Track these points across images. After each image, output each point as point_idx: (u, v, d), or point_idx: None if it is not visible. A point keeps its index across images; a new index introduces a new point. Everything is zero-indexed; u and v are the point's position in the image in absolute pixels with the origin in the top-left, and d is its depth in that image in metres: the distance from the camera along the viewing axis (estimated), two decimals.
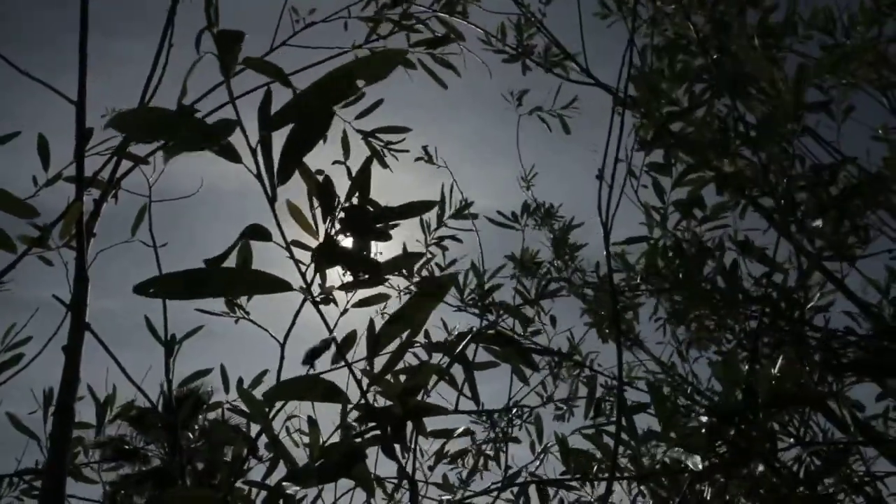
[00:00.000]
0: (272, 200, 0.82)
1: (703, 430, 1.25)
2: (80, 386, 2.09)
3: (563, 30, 2.93)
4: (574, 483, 1.84)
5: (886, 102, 2.35)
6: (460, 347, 1.26)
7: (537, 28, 2.78)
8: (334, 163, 1.79)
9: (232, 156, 0.83)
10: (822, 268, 2.01)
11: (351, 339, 1.24)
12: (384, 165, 2.45)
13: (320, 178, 1.18)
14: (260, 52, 2.27)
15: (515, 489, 2.07)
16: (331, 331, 0.98)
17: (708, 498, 1.53)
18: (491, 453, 2.40)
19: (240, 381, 2.01)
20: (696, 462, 1.17)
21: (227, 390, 1.94)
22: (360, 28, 2.59)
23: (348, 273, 1.22)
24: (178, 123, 0.78)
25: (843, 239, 1.83)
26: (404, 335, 1.09)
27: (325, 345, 0.96)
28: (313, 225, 1.14)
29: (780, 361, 1.40)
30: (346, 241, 1.26)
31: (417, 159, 2.86)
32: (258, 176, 0.81)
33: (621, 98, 1.91)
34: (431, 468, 2.39)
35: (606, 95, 2.70)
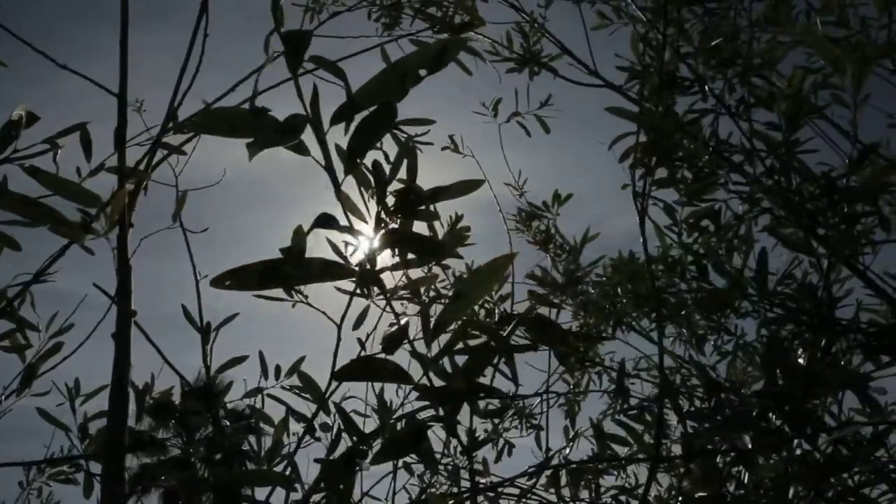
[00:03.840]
0: (338, 189, 0.85)
1: (753, 412, 1.27)
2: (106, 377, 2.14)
3: (565, 32, 2.94)
4: (609, 467, 1.87)
5: None
6: (509, 330, 1.28)
7: (541, 34, 2.79)
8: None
9: (302, 150, 0.85)
10: (843, 256, 2.03)
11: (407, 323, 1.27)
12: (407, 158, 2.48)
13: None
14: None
15: (549, 474, 2.10)
16: (396, 317, 1.01)
17: (746, 481, 1.56)
18: (514, 440, 2.44)
19: (277, 367, 2.05)
20: (745, 442, 1.20)
21: (265, 376, 1.98)
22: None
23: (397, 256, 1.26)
24: (255, 122, 0.81)
25: (854, 235, 1.85)
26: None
27: (401, 331, 0.99)
28: (365, 210, 1.17)
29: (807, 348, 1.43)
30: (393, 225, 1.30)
31: (444, 148, 2.88)
32: (327, 168, 0.84)
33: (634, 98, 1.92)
34: (464, 454, 2.43)
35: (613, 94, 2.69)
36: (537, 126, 3.04)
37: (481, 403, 1.85)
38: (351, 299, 1.23)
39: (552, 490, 2.11)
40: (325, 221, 0.90)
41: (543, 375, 2.78)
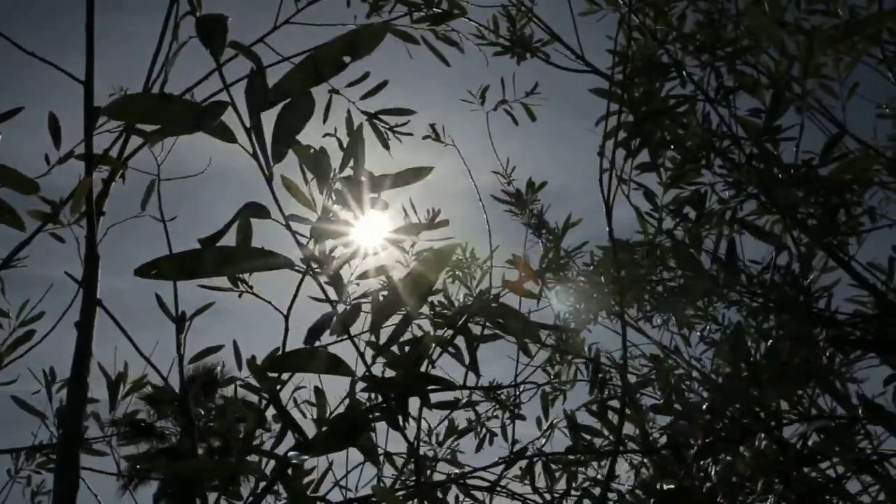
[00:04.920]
0: (269, 179, 0.83)
1: (704, 406, 1.25)
2: (91, 363, 2.12)
3: (554, 18, 2.90)
4: (581, 459, 1.86)
5: (892, 77, 2.32)
6: (462, 320, 1.26)
7: (528, 18, 2.75)
8: (325, 135, 1.78)
9: (227, 136, 0.83)
10: (825, 246, 1.99)
11: (355, 312, 1.25)
12: (386, 147, 2.45)
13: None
14: (264, 29, 2.26)
15: (523, 465, 2.09)
16: (332, 305, 0.99)
17: (712, 473, 1.54)
18: (497, 430, 2.43)
19: (252, 357, 2.04)
20: (696, 437, 1.18)
21: (239, 367, 1.97)
22: (361, 4, 2.57)
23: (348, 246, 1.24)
24: (171, 107, 0.78)
25: (837, 224, 1.82)
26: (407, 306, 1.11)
27: (325, 321, 0.97)
28: (310, 199, 1.15)
29: (782, 339, 1.40)
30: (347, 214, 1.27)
31: (425, 137, 2.85)
32: (254, 155, 0.82)
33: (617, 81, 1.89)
34: (441, 443, 2.42)
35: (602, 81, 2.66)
36: (536, 117, 3.03)
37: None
38: (298, 289, 1.21)
39: (527, 481, 2.10)
40: (252, 210, 0.88)
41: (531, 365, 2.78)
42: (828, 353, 1.82)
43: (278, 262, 0.90)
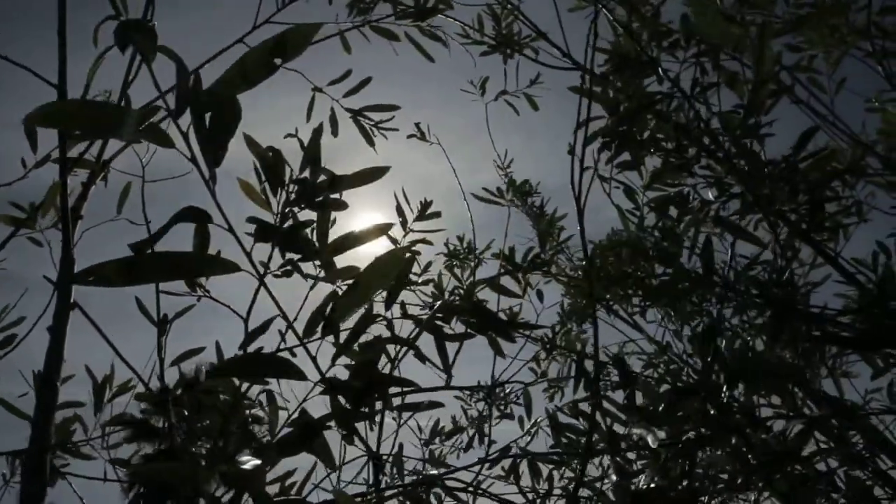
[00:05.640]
0: (207, 182, 0.82)
1: (665, 405, 1.24)
2: (78, 367, 2.14)
3: (540, 16, 2.88)
4: (561, 458, 1.84)
5: (881, 71, 2.30)
6: (427, 318, 1.25)
7: (514, 16, 2.73)
8: (286, 136, 1.77)
9: (163, 141, 0.82)
10: (811, 240, 1.97)
11: (317, 314, 1.24)
12: (371, 144, 2.44)
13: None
14: (244, 29, 2.25)
15: (506, 466, 2.08)
16: (280, 308, 0.98)
17: (686, 471, 1.53)
18: (471, 431, 2.42)
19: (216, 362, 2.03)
20: (656, 437, 1.17)
21: None
22: (342, 2, 2.56)
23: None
24: (99, 113, 0.78)
25: (821, 219, 1.80)
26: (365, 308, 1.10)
27: (263, 327, 0.97)
28: (265, 200, 1.14)
29: (757, 336, 1.39)
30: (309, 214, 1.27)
31: (410, 136, 2.84)
32: (192, 160, 0.81)
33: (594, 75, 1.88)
34: (426, 444, 2.42)
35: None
36: (538, 107, 3.01)
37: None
38: (256, 293, 1.20)
39: (511, 480, 2.09)
40: (191, 216, 0.87)
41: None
42: (800, 350, 1.81)
43: (226, 267, 0.89)
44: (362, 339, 1.15)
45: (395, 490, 1.65)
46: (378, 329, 1.32)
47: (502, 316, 2.81)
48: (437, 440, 2.39)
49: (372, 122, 2.57)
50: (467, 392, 2.32)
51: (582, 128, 2.19)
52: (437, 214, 2.66)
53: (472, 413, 2.47)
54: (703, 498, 1.58)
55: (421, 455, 2.51)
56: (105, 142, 2.03)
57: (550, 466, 1.85)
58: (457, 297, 2.67)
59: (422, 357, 1.21)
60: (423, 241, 2.62)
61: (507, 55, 2.89)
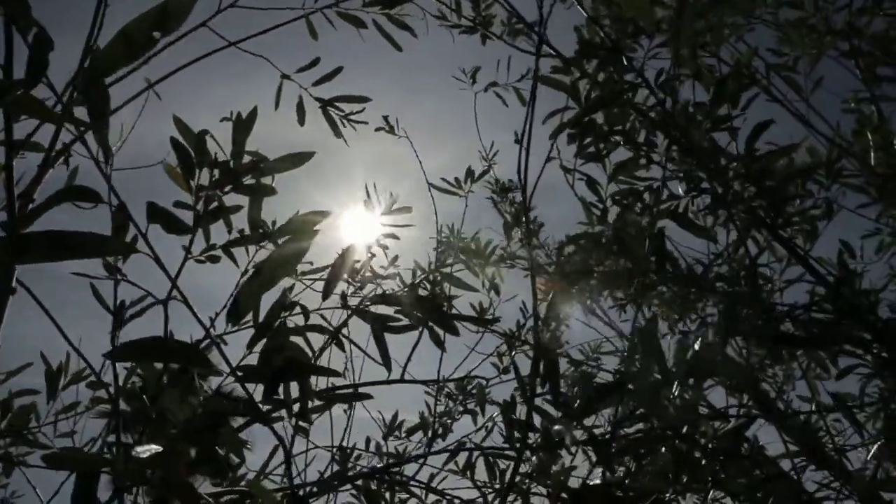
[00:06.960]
0: (98, 163, 0.79)
1: (583, 402, 1.21)
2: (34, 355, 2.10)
3: (521, 3, 2.85)
4: (512, 452, 1.81)
5: (859, 73, 2.27)
6: (355, 308, 1.22)
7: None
8: (222, 120, 1.74)
9: (44, 115, 0.79)
10: (779, 237, 1.95)
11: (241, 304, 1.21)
12: (339, 136, 2.40)
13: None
14: (208, 13, 2.21)
15: (462, 460, 2.05)
16: (182, 294, 0.95)
17: (633, 469, 1.50)
18: (436, 426, 2.39)
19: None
20: (572, 434, 1.14)
21: None
22: None
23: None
24: None
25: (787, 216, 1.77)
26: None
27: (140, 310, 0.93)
28: (191, 185, 1.11)
29: (705, 335, 1.36)
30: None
31: (378, 129, 2.80)
32: (79, 138, 0.78)
33: (567, 62, 1.85)
34: (385, 438, 2.39)
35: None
36: (527, 102, 2.97)
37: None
38: (177, 276, 1.17)
39: (467, 475, 2.07)
40: (85, 196, 0.84)
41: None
42: (768, 350, 1.78)
43: (119, 248, 0.86)
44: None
45: (346, 481, 1.62)
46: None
47: (472, 311, 2.79)
48: (395, 434, 2.37)
49: (341, 113, 2.52)
50: (430, 386, 2.29)
51: (550, 118, 2.16)
52: (408, 209, 2.63)
53: (440, 409, 2.44)
54: (651, 497, 1.55)
55: (386, 450, 2.48)
56: (59, 125, 2.00)
57: (505, 463, 1.82)
58: (424, 290, 2.65)
59: (342, 347, 1.18)
60: (391, 235, 2.60)
61: (485, 36, 2.86)
